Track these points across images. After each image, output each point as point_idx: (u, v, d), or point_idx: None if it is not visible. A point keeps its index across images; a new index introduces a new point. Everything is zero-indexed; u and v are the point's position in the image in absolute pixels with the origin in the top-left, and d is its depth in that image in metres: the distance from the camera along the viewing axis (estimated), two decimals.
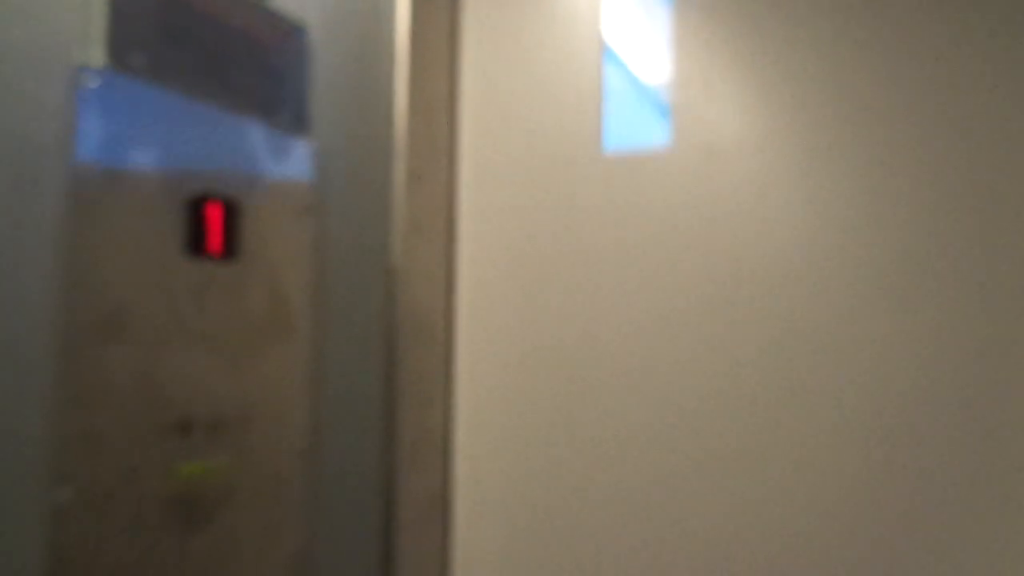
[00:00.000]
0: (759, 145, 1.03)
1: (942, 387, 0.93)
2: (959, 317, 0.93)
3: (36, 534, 0.62)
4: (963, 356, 0.92)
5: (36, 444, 0.63)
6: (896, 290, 0.95)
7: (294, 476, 0.90)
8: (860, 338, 0.96)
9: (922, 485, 0.93)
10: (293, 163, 0.91)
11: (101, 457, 0.67)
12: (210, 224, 0.79)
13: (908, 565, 0.93)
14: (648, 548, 1.05)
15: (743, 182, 1.03)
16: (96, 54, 0.68)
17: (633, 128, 1.10)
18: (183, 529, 0.75)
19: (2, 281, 0.61)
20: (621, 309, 1.08)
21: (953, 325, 0.93)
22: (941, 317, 0.93)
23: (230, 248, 0.82)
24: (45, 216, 0.65)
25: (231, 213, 0.82)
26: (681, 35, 1.08)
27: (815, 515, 0.97)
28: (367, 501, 1.04)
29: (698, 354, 1.04)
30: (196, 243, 0.78)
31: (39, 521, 0.63)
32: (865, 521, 0.95)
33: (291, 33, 0.92)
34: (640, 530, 1.05)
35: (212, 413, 0.79)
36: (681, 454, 1.04)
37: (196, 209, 0.78)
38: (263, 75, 0.87)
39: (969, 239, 0.93)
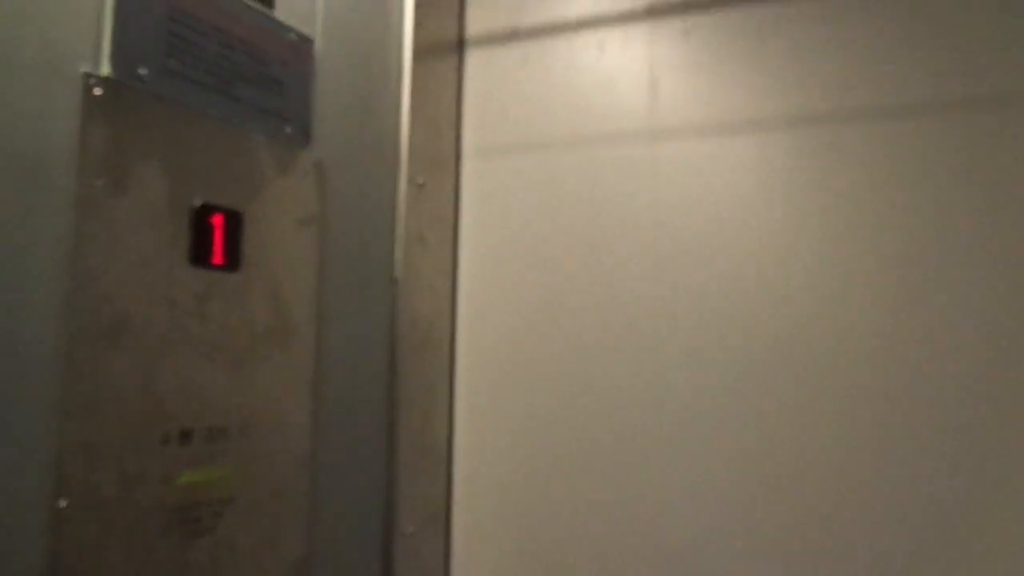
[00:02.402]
0: (758, 146, 1.03)
1: (942, 385, 0.93)
2: (961, 315, 0.93)
3: (37, 541, 0.63)
4: (964, 354, 0.92)
5: (37, 450, 0.63)
6: (898, 288, 0.95)
7: (295, 485, 0.90)
8: (868, 338, 0.96)
9: (922, 484, 0.92)
10: (296, 174, 0.92)
11: (101, 464, 0.68)
12: (213, 234, 0.80)
13: (908, 566, 0.93)
14: (647, 555, 1.04)
15: (742, 186, 1.03)
16: (103, 64, 0.69)
17: (636, 134, 1.10)
18: (183, 537, 0.75)
19: (7, 288, 0.62)
20: (623, 320, 1.09)
21: (954, 322, 0.93)
22: (943, 314, 0.93)
23: (233, 258, 0.82)
24: (51, 224, 0.65)
25: (234, 223, 0.82)
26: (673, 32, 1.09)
27: (818, 516, 0.97)
28: (368, 510, 1.04)
29: (699, 364, 1.04)
30: (199, 253, 0.78)
31: (40, 528, 0.63)
32: (865, 520, 0.95)
33: (296, 45, 0.93)
34: (639, 537, 1.05)
35: (213, 422, 0.79)
36: (682, 465, 1.04)
37: (200, 219, 0.78)
38: (268, 86, 0.88)
39: (971, 237, 0.93)
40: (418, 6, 1.14)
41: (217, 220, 0.80)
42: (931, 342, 0.93)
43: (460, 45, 1.24)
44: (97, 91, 0.68)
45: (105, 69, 0.69)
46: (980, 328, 0.92)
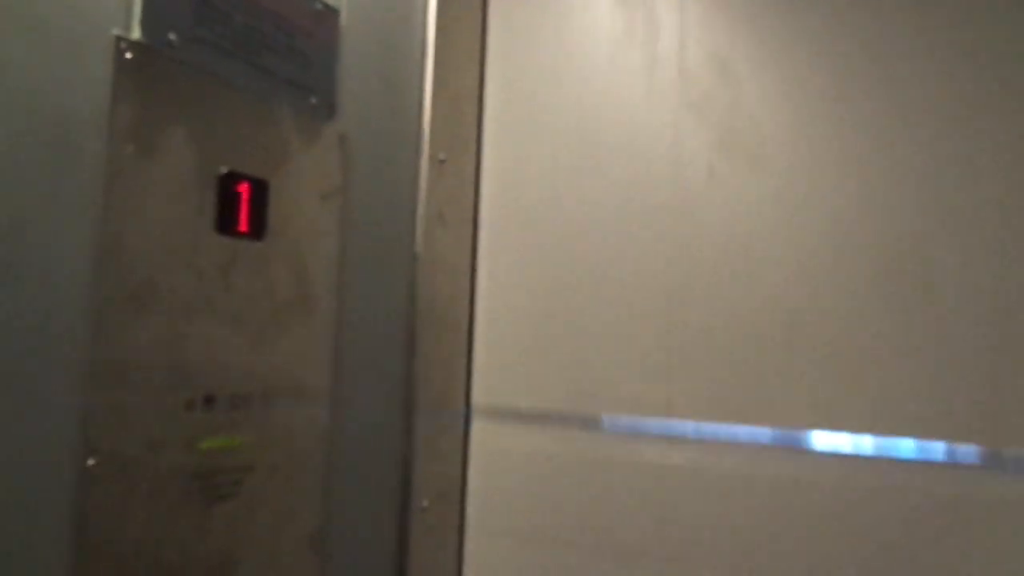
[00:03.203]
0: (780, 133, 1.03)
1: (944, 382, 0.92)
2: (965, 311, 0.92)
3: (65, 498, 0.63)
4: (966, 351, 0.92)
5: (66, 411, 0.64)
6: (899, 285, 0.95)
7: (313, 456, 0.91)
8: (877, 335, 0.96)
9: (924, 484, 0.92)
10: (321, 146, 0.92)
11: (128, 426, 0.68)
12: (239, 202, 0.80)
13: (909, 565, 0.93)
14: (661, 530, 1.05)
15: (777, 159, 1.03)
16: (133, 28, 0.69)
17: (663, 110, 1.10)
18: (204, 502, 0.76)
19: (37, 251, 0.62)
20: (643, 299, 1.08)
21: (958, 319, 0.92)
22: (946, 311, 0.93)
23: (258, 227, 0.82)
24: (80, 189, 0.66)
25: (259, 192, 0.83)
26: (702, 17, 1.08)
27: (822, 515, 0.97)
28: (384, 483, 1.05)
29: (719, 344, 1.04)
30: (225, 221, 0.78)
31: (68, 485, 0.64)
32: (865, 519, 0.95)
33: (322, 15, 0.93)
34: (654, 512, 1.05)
35: (236, 389, 0.80)
36: (698, 444, 1.04)
37: (225, 187, 0.78)
38: (294, 57, 0.88)
39: (974, 232, 0.92)
40: None
41: (243, 188, 0.80)
42: (934, 336, 0.93)
43: (483, 21, 1.23)
44: (128, 55, 0.68)
45: (136, 33, 0.69)
46: (985, 323, 0.91)
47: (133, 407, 0.69)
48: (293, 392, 0.87)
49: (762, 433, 1.00)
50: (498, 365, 1.17)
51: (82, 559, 0.64)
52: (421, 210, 1.11)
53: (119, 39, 0.68)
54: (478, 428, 1.17)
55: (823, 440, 0.97)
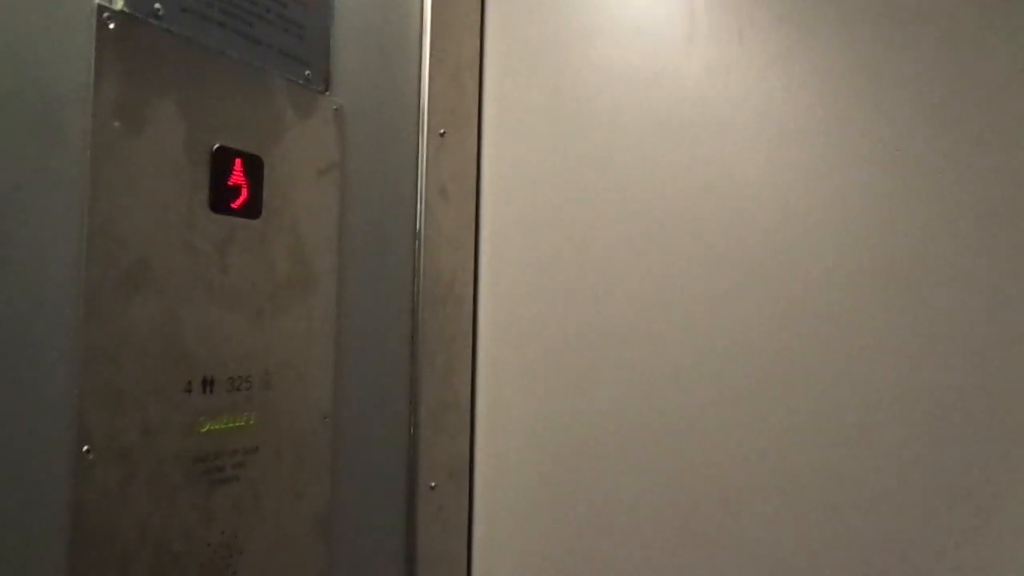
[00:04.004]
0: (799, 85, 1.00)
1: (943, 381, 0.90)
2: (967, 309, 0.90)
3: (61, 485, 0.62)
4: (966, 349, 0.90)
5: (59, 396, 0.62)
6: (900, 283, 0.93)
7: (318, 436, 0.89)
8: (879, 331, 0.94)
9: (924, 483, 0.91)
10: (316, 120, 0.89)
11: (124, 411, 0.66)
12: (233, 179, 0.78)
13: (907, 565, 0.91)
14: (669, 507, 1.03)
15: (769, 152, 1.00)
16: None
17: (668, 78, 1.07)
18: (208, 485, 0.75)
19: (26, 231, 0.60)
20: (648, 275, 1.06)
21: (959, 317, 0.90)
22: (948, 309, 0.91)
23: (253, 204, 0.80)
24: (67, 166, 0.63)
25: (253, 168, 0.80)
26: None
27: (823, 514, 0.95)
28: (390, 463, 1.03)
29: (724, 321, 1.01)
30: (218, 198, 0.76)
31: (63, 472, 0.62)
32: (865, 518, 0.93)
33: None
34: (663, 487, 1.04)
35: (236, 371, 0.78)
36: (702, 421, 1.02)
37: (218, 163, 0.76)
38: (287, 28, 0.85)
39: (977, 230, 0.90)
40: None
41: (236, 164, 0.78)
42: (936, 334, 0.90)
43: None
44: (111, 26, 0.66)
45: (119, 3, 0.67)
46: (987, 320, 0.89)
47: (129, 391, 0.67)
48: (294, 373, 0.85)
49: None
50: (504, 340, 1.15)
51: (80, 547, 0.62)
52: (422, 185, 1.08)
53: (101, 8, 0.65)
54: (484, 404, 1.15)
55: None
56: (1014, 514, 0.87)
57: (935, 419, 0.92)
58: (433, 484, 1.07)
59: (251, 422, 0.80)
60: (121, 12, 0.67)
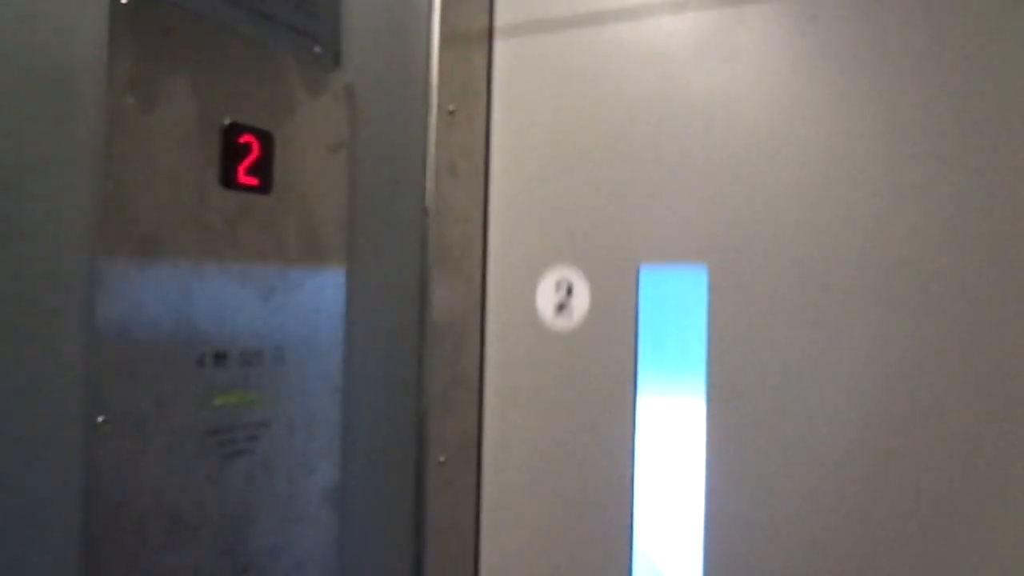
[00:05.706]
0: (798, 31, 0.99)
1: (944, 378, 0.90)
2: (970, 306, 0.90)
3: (76, 456, 0.63)
4: (967, 346, 0.90)
5: (73, 367, 0.63)
6: (901, 281, 0.92)
7: (328, 411, 0.90)
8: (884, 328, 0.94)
9: (924, 481, 0.91)
10: (327, 96, 0.90)
11: (138, 383, 0.68)
12: (244, 154, 0.78)
13: (907, 564, 0.92)
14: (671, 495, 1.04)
15: (778, 129, 1.00)
16: None
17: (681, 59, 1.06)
18: (220, 457, 0.76)
19: (39, 206, 0.61)
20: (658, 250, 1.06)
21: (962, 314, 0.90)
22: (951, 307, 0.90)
23: (264, 180, 0.81)
24: (80, 142, 0.64)
25: (265, 144, 0.80)
26: None
27: (826, 512, 0.96)
28: (400, 438, 1.05)
29: (735, 303, 1.02)
30: (230, 174, 0.77)
31: (78, 443, 0.63)
32: (865, 517, 0.93)
33: None
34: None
35: (247, 345, 0.79)
36: (711, 399, 1.03)
37: (229, 139, 0.76)
38: (297, 3, 0.85)
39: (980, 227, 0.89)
40: None
41: (248, 140, 0.78)
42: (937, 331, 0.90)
43: None
44: (123, 1, 0.66)
45: None
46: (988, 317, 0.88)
47: (142, 364, 0.68)
48: (305, 348, 0.86)
49: None
50: (512, 317, 1.15)
51: (94, 517, 0.64)
52: (431, 162, 1.08)
53: None
54: (493, 380, 1.16)
55: None
56: None
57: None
58: (442, 459, 1.08)
59: (263, 396, 0.81)
60: None
